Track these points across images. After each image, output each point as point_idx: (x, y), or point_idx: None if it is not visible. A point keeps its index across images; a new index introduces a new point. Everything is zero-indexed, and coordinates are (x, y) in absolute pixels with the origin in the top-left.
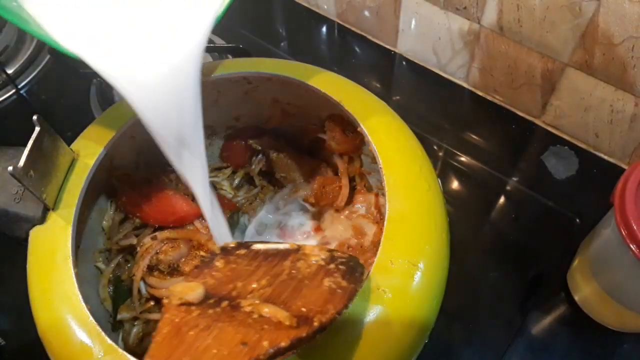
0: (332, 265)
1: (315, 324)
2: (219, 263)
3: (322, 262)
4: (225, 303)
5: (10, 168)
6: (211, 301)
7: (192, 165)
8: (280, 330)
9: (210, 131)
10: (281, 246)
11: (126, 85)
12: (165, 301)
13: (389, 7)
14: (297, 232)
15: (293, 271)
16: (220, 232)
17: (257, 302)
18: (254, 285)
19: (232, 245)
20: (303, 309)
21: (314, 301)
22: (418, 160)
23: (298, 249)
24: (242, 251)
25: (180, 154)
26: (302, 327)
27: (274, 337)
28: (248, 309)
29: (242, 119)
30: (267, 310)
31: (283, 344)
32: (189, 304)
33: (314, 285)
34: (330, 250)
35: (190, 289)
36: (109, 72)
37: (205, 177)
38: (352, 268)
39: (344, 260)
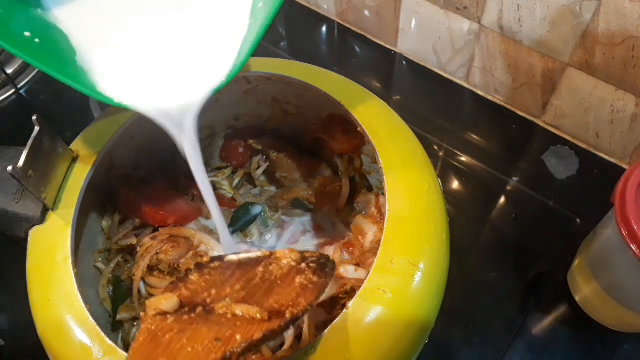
0: (303, 265)
1: (288, 315)
2: (193, 277)
3: (294, 263)
4: (199, 309)
5: (9, 168)
6: (186, 309)
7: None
8: (253, 324)
9: (210, 131)
10: (253, 254)
11: (155, 114)
12: (142, 314)
13: (389, 7)
14: (297, 232)
15: (266, 275)
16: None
17: (230, 303)
18: (228, 291)
19: (206, 259)
20: (275, 305)
21: (286, 297)
22: (418, 160)
23: (270, 255)
24: (216, 264)
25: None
26: (274, 320)
27: (247, 331)
28: (222, 311)
29: (242, 119)
30: (239, 309)
31: (256, 337)
32: (164, 314)
33: (285, 284)
34: (301, 252)
35: (165, 299)
36: (145, 109)
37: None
38: (323, 265)
39: (314, 259)
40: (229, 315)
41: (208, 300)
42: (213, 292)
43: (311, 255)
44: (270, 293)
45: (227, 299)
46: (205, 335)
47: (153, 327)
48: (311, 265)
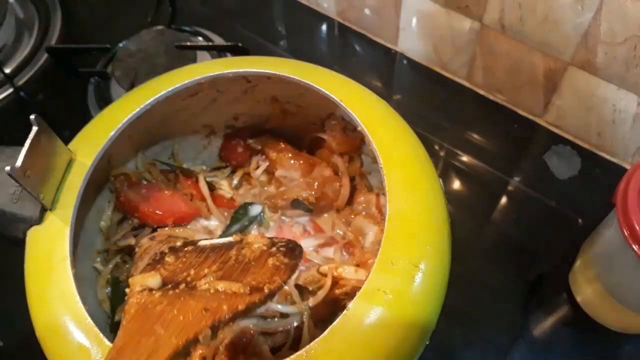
0: (273, 249)
1: (266, 290)
2: (169, 259)
3: (265, 247)
4: (182, 286)
5: (7, 168)
6: (169, 286)
7: None
8: (236, 298)
9: (209, 130)
10: (225, 240)
11: None
12: (127, 290)
13: (389, 5)
14: (297, 232)
15: (239, 257)
16: None
17: (212, 280)
18: (206, 271)
19: (180, 244)
20: (253, 282)
21: (261, 276)
22: (419, 159)
23: (241, 240)
24: (190, 248)
25: None
26: (254, 294)
27: (232, 303)
28: (205, 286)
29: (241, 118)
30: (221, 285)
31: (240, 307)
32: (150, 290)
33: (259, 265)
34: (270, 238)
35: (150, 277)
36: None
37: None
38: (292, 249)
39: (283, 243)
40: (212, 290)
41: (189, 279)
42: (192, 272)
43: (280, 240)
44: (247, 273)
45: (209, 277)
46: (194, 306)
47: (142, 301)
48: (281, 249)
